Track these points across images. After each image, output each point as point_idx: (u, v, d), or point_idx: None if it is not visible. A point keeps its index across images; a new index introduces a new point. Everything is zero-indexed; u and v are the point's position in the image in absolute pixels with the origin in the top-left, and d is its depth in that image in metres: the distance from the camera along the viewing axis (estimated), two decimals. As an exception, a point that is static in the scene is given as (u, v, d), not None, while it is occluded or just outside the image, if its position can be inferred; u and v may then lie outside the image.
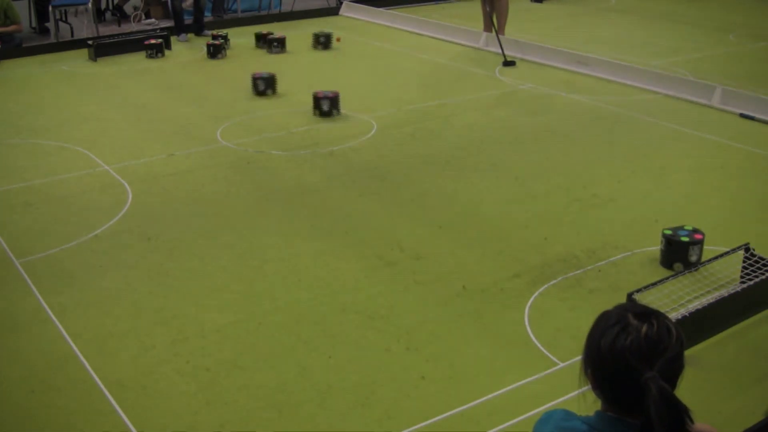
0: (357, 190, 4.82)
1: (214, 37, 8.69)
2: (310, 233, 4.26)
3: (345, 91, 6.96)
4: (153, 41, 8.47)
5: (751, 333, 3.29)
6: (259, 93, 6.85)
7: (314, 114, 6.27)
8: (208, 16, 10.26)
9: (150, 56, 8.42)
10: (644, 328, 1.57)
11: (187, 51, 8.83)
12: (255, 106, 6.56)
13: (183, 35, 9.34)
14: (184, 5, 9.46)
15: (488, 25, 9.02)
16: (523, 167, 5.14)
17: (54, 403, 2.91)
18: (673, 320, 1.64)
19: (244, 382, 3.01)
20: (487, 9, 8.88)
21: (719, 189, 4.79)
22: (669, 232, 3.80)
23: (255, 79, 6.88)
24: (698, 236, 3.78)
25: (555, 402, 2.84)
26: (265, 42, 8.74)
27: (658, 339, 1.56)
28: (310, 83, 7.31)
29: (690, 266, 3.67)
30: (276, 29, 9.50)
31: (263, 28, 9.55)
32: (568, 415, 1.69)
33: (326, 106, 6.24)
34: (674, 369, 1.57)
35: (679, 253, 3.75)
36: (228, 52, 8.56)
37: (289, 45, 8.68)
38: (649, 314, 1.60)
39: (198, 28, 9.58)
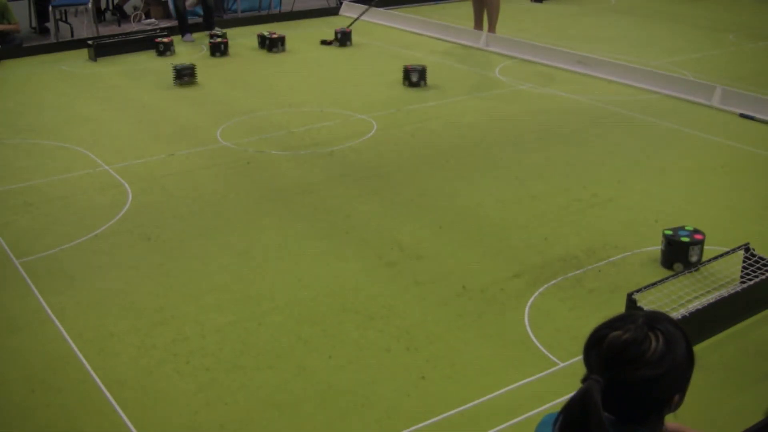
0: (357, 190, 4.82)
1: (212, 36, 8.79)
2: (310, 233, 4.26)
3: (344, 92, 6.99)
4: (164, 40, 8.52)
5: (751, 333, 3.29)
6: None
7: (403, 84, 7.01)
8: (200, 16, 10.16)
9: (161, 54, 8.44)
10: (626, 335, 1.49)
11: (189, 50, 8.83)
12: (255, 106, 6.56)
13: (188, 35, 9.30)
14: (186, 4, 9.42)
15: (479, 23, 9.02)
16: (523, 167, 5.14)
17: (54, 403, 2.91)
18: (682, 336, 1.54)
19: (244, 382, 3.02)
20: (478, 6, 8.88)
21: (719, 189, 4.79)
22: (669, 232, 3.80)
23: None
24: (698, 236, 3.78)
25: (555, 402, 2.84)
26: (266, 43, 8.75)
27: (629, 348, 1.48)
28: (308, 83, 7.32)
29: (690, 266, 3.67)
30: (276, 29, 9.49)
31: (263, 28, 9.55)
32: None
33: (415, 77, 6.95)
34: (636, 387, 1.48)
35: (679, 253, 3.75)
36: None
37: (290, 44, 8.70)
38: (655, 327, 1.51)
39: (209, 26, 9.54)
